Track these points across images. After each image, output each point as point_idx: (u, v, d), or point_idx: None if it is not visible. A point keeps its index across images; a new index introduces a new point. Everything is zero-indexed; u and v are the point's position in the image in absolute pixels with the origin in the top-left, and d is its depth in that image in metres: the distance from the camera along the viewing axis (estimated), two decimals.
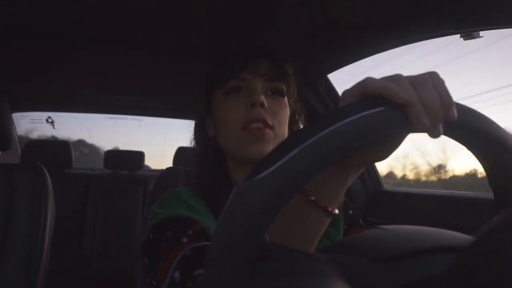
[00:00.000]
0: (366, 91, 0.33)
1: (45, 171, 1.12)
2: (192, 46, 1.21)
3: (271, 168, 0.27)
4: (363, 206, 1.49)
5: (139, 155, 2.43)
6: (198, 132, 0.80)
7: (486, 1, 0.79)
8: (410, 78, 0.34)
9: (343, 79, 1.46)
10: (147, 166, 2.80)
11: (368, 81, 0.34)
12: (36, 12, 0.98)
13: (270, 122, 0.68)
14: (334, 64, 1.31)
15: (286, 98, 0.74)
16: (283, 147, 0.29)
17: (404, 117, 0.31)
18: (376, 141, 0.31)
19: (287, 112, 0.73)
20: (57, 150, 2.18)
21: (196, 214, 0.68)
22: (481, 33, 0.88)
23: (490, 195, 0.37)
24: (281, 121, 0.70)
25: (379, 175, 1.54)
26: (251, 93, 0.69)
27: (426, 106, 0.32)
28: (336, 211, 0.42)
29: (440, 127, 0.33)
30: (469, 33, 0.88)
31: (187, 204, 0.70)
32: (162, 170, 1.12)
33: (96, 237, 2.10)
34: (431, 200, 1.26)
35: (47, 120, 2.49)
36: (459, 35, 0.90)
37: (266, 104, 0.67)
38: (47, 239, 1.06)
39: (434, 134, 0.33)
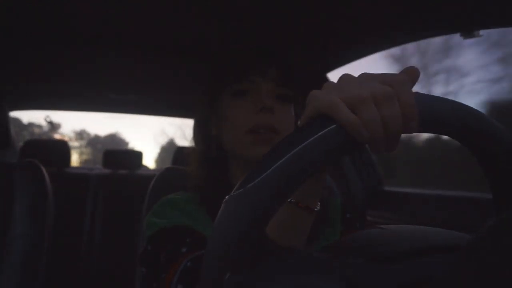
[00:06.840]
0: (317, 111, 0.32)
1: (44, 170, 1.12)
2: (190, 45, 1.20)
3: (257, 180, 0.30)
4: (364, 205, 1.48)
5: (138, 155, 2.43)
6: (200, 130, 0.79)
7: (486, 0, 0.78)
8: (374, 91, 0.31)
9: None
10: (145, 167, 2.79)
11: (315, 99, 0.33)
12: (34, 11, 0.97)
13: (276, 128, 0.68)
14: (334, 63, 1.31)
15: (293, 104, 0.74)
16: (266, 161, 0.31)
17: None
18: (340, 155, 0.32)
19: (293, 117, 0.74)
20: (55, 149, 2.17)
21: (193, 221, 0.67)
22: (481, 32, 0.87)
23: (490, 195, 0.37)
24: (286, 126, 0.71)
25: (379, 175, 1.54)
26: (260, 98, 0.69)
27: (385, 122, 0.31)
28: (317, 207, 0.45)
29: (395, 143, 0.32)
30: (469, 32, 0.87)
31: (183, 211, 0.69)
32: (161, 169, 1.12)
33: (95, 236, 2.09)
34: (432, 200, 1.26)
35: (45, 120, 2.47)
36: (458, 33, 0.90)
37: (274, 109, 0.68)
38: (46, 238, 1.06)
39: (388, 150, 0.33)
